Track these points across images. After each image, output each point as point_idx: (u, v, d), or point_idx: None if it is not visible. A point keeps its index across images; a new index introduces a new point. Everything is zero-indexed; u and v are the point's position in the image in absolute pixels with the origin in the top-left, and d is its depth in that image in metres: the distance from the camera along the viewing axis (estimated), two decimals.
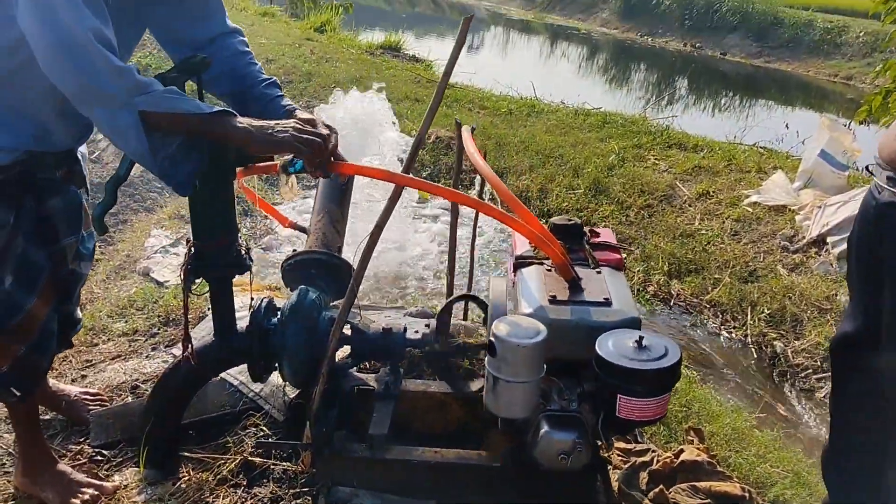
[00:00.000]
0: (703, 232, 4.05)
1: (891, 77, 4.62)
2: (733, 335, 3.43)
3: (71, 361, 2.50)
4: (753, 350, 3.34)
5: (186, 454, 2.07)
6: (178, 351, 2.50)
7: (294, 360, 1.93)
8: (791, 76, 16.55)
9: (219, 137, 1.61)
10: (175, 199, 4.03)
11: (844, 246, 3.65)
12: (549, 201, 4.39)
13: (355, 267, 1.80)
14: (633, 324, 1.66)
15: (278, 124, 1.62)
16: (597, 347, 1.57)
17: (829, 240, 3.73)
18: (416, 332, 2.06)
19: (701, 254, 3.88)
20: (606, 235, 2.04)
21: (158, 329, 2.66)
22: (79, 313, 2.08)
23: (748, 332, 3.39)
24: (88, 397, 2.29)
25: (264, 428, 2.14)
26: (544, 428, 1.69)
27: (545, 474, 1.86)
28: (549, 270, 1.85)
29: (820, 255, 3.72)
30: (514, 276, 1.90)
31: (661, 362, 1.53)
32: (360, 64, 7.02)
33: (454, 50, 1.90)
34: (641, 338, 1.57)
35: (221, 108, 1.59)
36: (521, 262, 1.91)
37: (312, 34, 8.55)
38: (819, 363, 3.17)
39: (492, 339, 1.59)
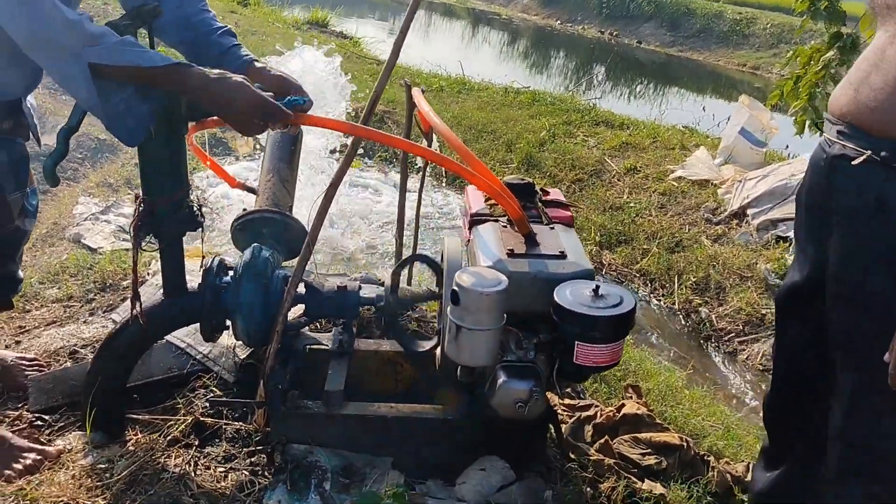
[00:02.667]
0: (632, 205, 4.19)
1: (800, 64, 4.88)
2: (662, 302, 3.58)
3: (3, 328, 2.40)
4: (681, 316, 3.49)
5: (134, 416, 2.03)
6: (117, 317, 2.45)
7: (249, 318, 1.91)
8: (702, 65, 17.13)
9: (173, 89, 1.58)
10: (101, 168, 3.89)
11: (763, 217, 3.85)
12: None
13: (307, 226, 1.80)
14: (588, 275, 1.72)
15: (230, 83, 1.59)
16: (555, 296, 1.63)
17: (749, 212, 3.92)
18: (370, 291, 2.07)
19: (630, 225, 4.02)
20: (556, 194, 2.10)
21: (95, 295, 2.58)
22: (20, 273, 2.01)
23: (676, 299, 3.54)
24: (24, 363, 2.21)
25: (215, 389, 2.11)
26: (502, 378, 1.73)
27: (500, 426, 1.92)
28: (505, 227, 1.89)
29: (741, 227, 3.91)
30: (469, 233, 1.94)
31: (618, 309, 1.60)
32: (288, 38, 6.87)
33: (407, 17, 1.91)
34: (598, 287, 1.63)
35: (176, 61, 1.55)
36: (476, 220, 1.95)
37: (236, 7, 8.36)
38: (741, 327, 3.34)
39: (455, 287, 1.62)
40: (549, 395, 2.33)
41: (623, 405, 2.29)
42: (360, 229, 3.85)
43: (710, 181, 4.27)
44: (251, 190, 2.33)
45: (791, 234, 3.66)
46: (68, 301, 2.56)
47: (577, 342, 1.60)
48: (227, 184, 2.37)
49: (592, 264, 1.81)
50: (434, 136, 2.46)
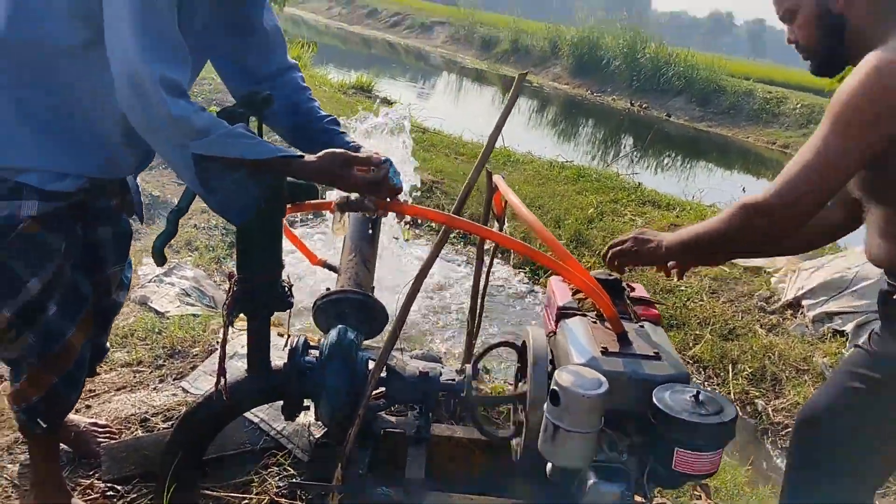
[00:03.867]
0: (683, 288, 4.17)
1: None
2: (717, 391, 3.53)
3: None
4: (737, 407, 3.43)
5: (207, 492, 2.02)
6: (187, 385, 2.46)
7: (333, 400, 1.91)
8: (732, 141, 17.26)
9: (279, 174, 1.62)
10: (159, 227, 3.95)
11: (819, 310, 3.82)
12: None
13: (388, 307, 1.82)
14: (684, 379, 1.72)
15: (319, 155, 1.64)
16: (655, 400, 1.62)
17: (804, 303, 3.90)
18: (451, 377, 2.07)
19: (682, 310, 4.00)
20: (640, 291, 2.11)
21: (164, 361, 2.60)
22: (107, 342, 2.03)
23: (731, 389, 3.50)
24: (97, 429, 2.22)
25: (288, 467, 2.10)
26: (593, 479, 1.71)
27: None
28: (595, 323, 1.90)
29: (796, 317, 3.88)
30: (556, 326, 1.94)
31: (721, 417, 1.58)
32: (337, 103, 7.06)
33: (507, 105, 1.98)
34: (698, 392, 1.63)
35: (282, 153, 1.57)
36: (564, 313, 1.96)
37: None
38: None
39: (555, 388, 1.61)
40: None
41: None
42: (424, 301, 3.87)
43: (762, 268, 4.26)
44: (332, 268, 2.36)
45: (847, 327, 3.63)
46: (137, 366, 2.58)
47: (677, 448, 1.59)
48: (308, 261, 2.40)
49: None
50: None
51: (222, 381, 1.92)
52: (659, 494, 2.35)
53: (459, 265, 4.50)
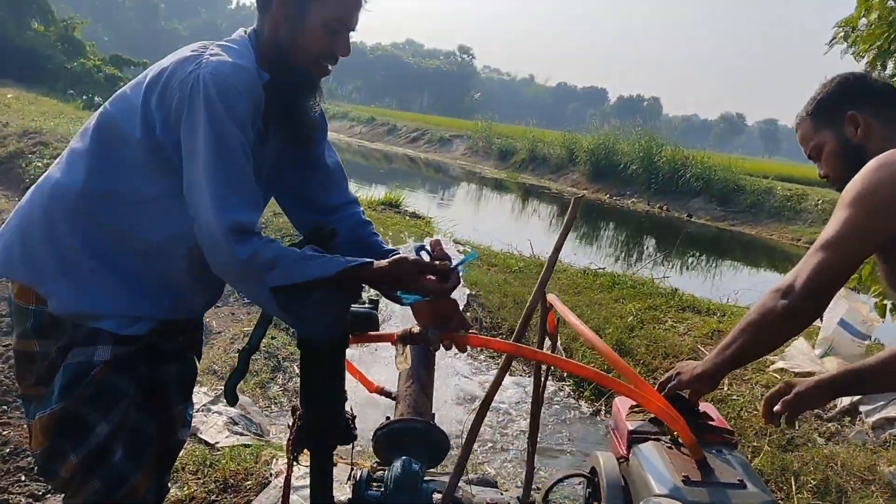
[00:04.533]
0: (735, 398, 4.06)
1: None
2: None
3: None
4: None
5: None
6: None
7: None
8: (755, 239, 17.28)
9: (353, 282, 1.62)
10: (204, 354, 3.94)
11: (878, 415, 3.69)
12: (575, 357, 4.40)
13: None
14: None
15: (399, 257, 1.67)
16: None
17: (861, 409, 3.77)
18: None
19: (736, 420, 3.88)
20: (712, 411, 2.04)
21: (217, 496, 2.53)
22: (168, 481, 1.99)
23: (795, 502, 3.33)
24: None
25: None
26: None
27: None
28: (671, 448, 1.83)
29: (854, 424, 3.74)
30: (627, 451, 1.88)
31: None
32: (376, 221, 7.18)
33: (564, 227, 1.99)
34: None
35: (353, 262, 1.59)
36: (636, 437, 1.89)
37: None
38: None
39: None
40: None
41: None
42: (459, 415, 3.78)
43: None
44: (389, 395, 2.32)
45: None
46: (190, 502, 2.51)
47: None
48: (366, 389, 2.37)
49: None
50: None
51: None
52: None
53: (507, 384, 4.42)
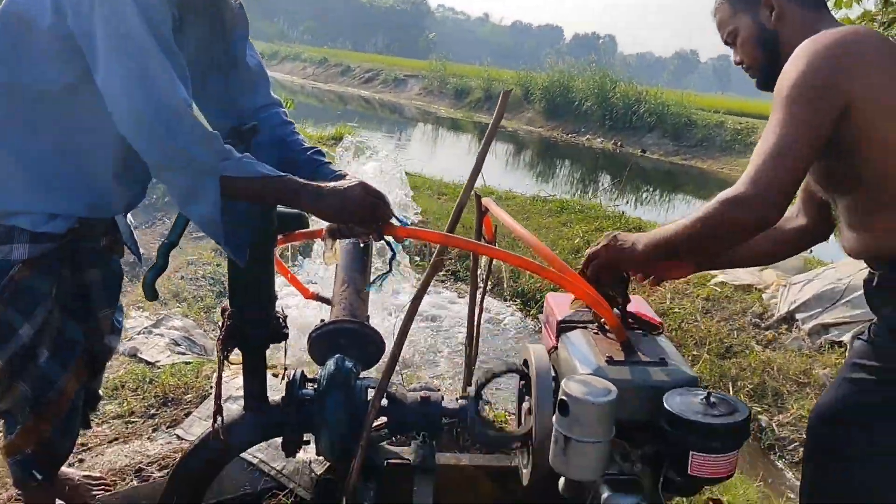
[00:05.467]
0: (676, 310, 4.16)
1: None
2: None
3: None
4: None
5: None
6: (182, 432, 2.39)
7: (334, 431, 1.86)
8: (707, 172, 17.50)
9: (288, 199, 1.59)
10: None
11: (814, 322, 3.81)
12: (522, 282, 4.44)
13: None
14: (692, 382, 1.68)
15: (346, 185, 1.62)
16: (666, 404, 1.58)
17: (798, 316, 3.89)
18: (454, 402, 2.02)
19: (677, 331, 3.98)
20: (640, 302, 2.08)
21: (157, 410, 2.53)
22: (100, 389, 1.98)
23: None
24: (91, 482, 2.14)
25: None
26: (606, 493, 1.66)
27: None
28: (597, 334, 1.86)
29: (791, 332, 3.86)
30: (556, 340, 1.91)
31: (735, 417, 1.55)
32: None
33: (494, 119, 1.97)
34: (710, 394, 1.59)
35: (293, 177, 1.57)
36: (565, 327, 1.92)
37: None
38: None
39: (563, 397, 1.57)
40: None
41: None
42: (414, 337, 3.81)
43: (752, 286, 4.26)
44: (326, 300, 2.31)
45: (845, 338, 3.62)
46: (129, 416, 2.50)
47: (692, 452, 1.55)
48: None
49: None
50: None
51: (218, 420, 1.87)
52: None
53: (451, 302, 4.46)
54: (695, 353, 3.82)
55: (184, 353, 2.99)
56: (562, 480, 1.71)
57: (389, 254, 1.79)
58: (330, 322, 2.12)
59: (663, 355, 1.76)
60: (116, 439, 2.38)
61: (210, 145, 1.46)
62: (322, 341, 2.12)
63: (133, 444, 2.34)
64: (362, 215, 1.63)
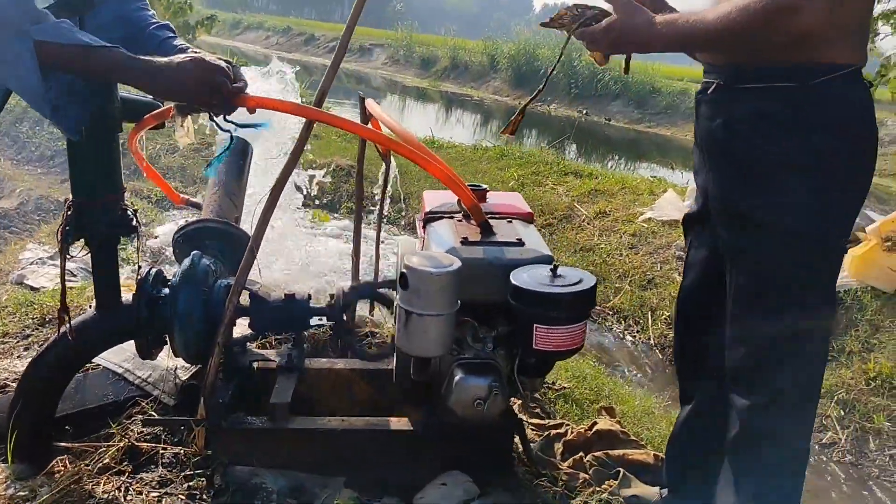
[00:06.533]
0: (602, 246, 4.11)
1: None
2: (637, 338, 3.46)
3: None
4: (657, 351, 3.36)
5: (63, 445, 1.85)
6: None
7: (187, 330, 1.77)
8: (671, 139, 17.49)
9: (115, 73, 1.48)
10: (55, 219, 3.76)
11: None
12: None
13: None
14: (548, 261, 1.62)
15: (178, 59, 1.51)
16: (511, 278, 1.52)
17: None
18: (320, 302, 1.95)
19: (601, 266, 3.93)
20: (517, 199, 2.02)
21: (32, 331, 2.42)
22: None
23: (651, 334, 3.42)
24: None
25: (154, 413, 1.94)
26: (459, 375, 1.60)
27: (461, 435, 1.77)
28: (461, 221, 1.79)
29: None
30: (424, 232, 1.83)
31: (578, 287, 1.49)
32: None
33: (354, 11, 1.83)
34: (556, 266, 1.53)
35: (119, 47, 1.46)
36: (430, 217, 1.85)
37: None
38: None
39: (403, 270, 1.50)
40: (517, 411, 2.19)
41: (596, 423, 2.15)
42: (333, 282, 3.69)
43: (679, 222, 4.21)
44: (196, 205, 2.22)
45: None
46: (3, 338, 2.39)
47: (535, 325, 1.48)
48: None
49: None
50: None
51: (66, 319, 1.78)
52: (561, 418, 2.24)
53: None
54: (617, 285, 3.78)
55: (75, 280, 2.87)
56: (412, 364, 1.64)
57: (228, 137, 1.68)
58: (193, 222, 2.04)
59: (521, 237, 1.69)
60: None
61: (21, 6, 1.34)
62: (185, 242, 2.03)
63: (2, 362, 2.24)
64: (199, 91, 1.53)
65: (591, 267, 3.92)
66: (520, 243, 1.66)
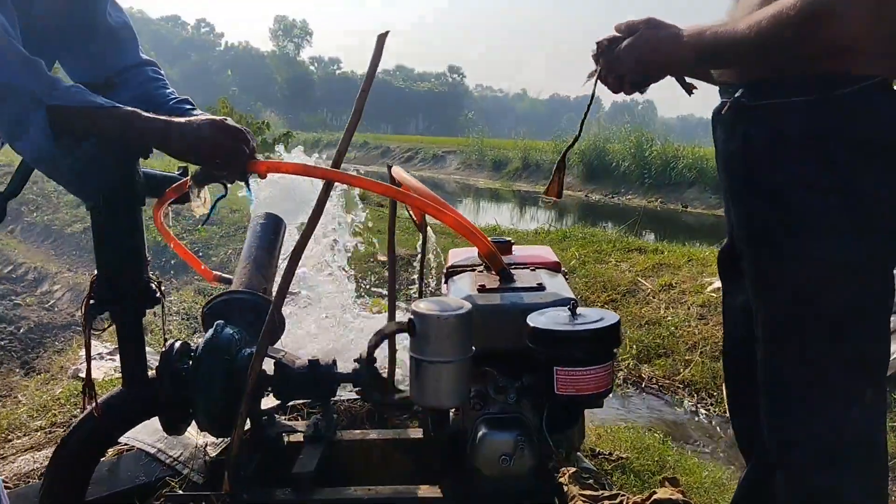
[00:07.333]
0: (669, 319, 3.92)
1: None
2: (711, 411, 3.22)
3: None
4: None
5: None
6: None
7: (209, 401, 1.72)
8: None
9: (131, 132, 1.51)
10: None
11: None
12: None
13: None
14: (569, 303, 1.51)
15: (197, 120, 1.54)
16: (528, 321, 1.42)
17: None
18: (347, 367, 1.87)
19: (669, 339, 3.74)
20: (543, 250, 1.94)
21: None
22: None
23: (726, 407, 3.18)
24: None
25: (181, 492, 1.88)
26: (482, 430, 1.49)
27: (490, 500, 1.63)
28: (481, 272, 1.72)
29: None
30: (447, 287, 1.76)
31: (598, 324, 1.37)
32: None
33: (372, 62, 1.85)
34: (575, 304, 1.42)
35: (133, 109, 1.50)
36: (452, 272, 1.79)
37: None
38: None
39: (410, 317, 1.43)
40: (567, 483, 2.02)
41: (654, 492, 1.96)
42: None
43: None
44: (227, 280, 2.22)
45: None
46: (51, 428, 2.41)
47: (556, 368, 1.37)
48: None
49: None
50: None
51: (91, 396, 1.77)
52: (618, 490, 2.06)
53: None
54: (687, 357, 3.57)
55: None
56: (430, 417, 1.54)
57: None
58: (220, 294, 2.02)
59: (542, 282, 1.60)
60: (32, 448, 2.28)
61: (33, 73, 1.39)
62: (213, 317, 2.01)
63: (46, 451, 2.23)
64: (215, 153, 1.54)
65: (657, 340, 3.73)
66: (540, 288, 1.57)
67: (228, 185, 1.66)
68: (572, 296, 1.56)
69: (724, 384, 1.64)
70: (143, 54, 1.90)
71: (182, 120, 1.53)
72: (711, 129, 1.45)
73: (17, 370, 3.81)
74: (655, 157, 21.07)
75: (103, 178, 1.61)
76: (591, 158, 22.96)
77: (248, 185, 1.71)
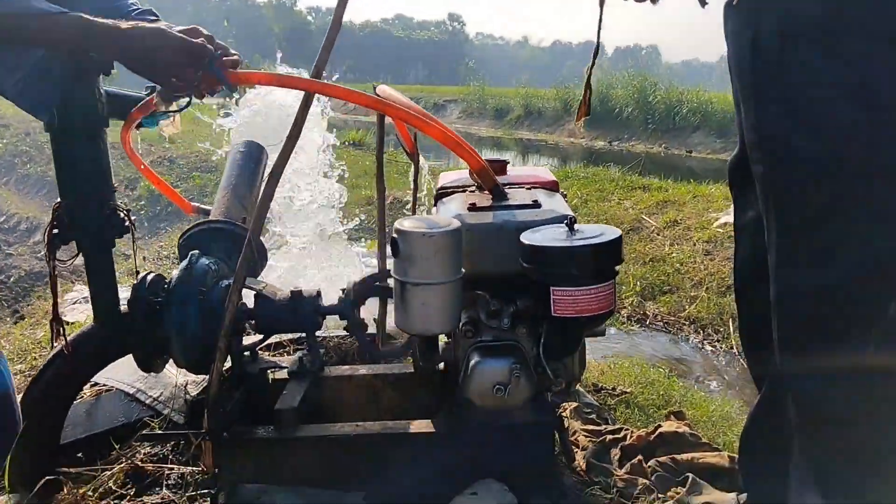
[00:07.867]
0: (675, 255, 3.80)
1: None
2: (718, 347, 3.12)
3: None
4: (742, 359, 3.01)
5: (65, 471, 1.71)
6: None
7: (183, 335, 1.61)
8: None
9: (80, 45, 1.37)
10: None
11: None
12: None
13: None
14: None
15: (161, 25, 1.40)
16: (522, 239, 1.30)
17: None
18: (332, 299, 1.76)
19: (674, 275, 3.62)
20: (539, 170, 1.80)
21: None
22: None
23: (733, 342, 3.08)
24: None
25: (160, 432, 1.79)
26: (474, 359, 1.39)
27: (490, 434, 1.53)
28: (472, 192, 1.60)
29: None
30: (436, 209, 1.64)
31: (598, 239, 1.25)
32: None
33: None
34: (573, 220, 1.30)
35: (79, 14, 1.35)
36: (442, 194, 1.66)
37: None
38: None
39: (393, 236, 1.31)
40: (568, 418, 1.93)
41: (659, 426, 1.87)
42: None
43: None
44: (206, 212, 2.10)
45: None
46: (30, 371, 2.31)
47: (552, 288, 1.25)
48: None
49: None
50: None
51: (60, 332, 1.67)
52: (622, 424, 1.96)
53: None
54: (693, 294, 3.46)
55: None
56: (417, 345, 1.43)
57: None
58: (196, 223, 1.90)
59: (537, 199, 1.47)
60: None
61: None
62: (190, 248, 1.89)
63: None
64: (175, 58, 1.39)
65: (662, 277, 3.61)
66: (536, 205, 1.44)
67: (194, 98, 1.51)
68: (569, 212, 1.43)
69: (735, 304, 1.51)
70: None
71: (132, 23, 1.39)
72: (723, 24, 1.31)
73: (8, 318, 3.73)
74: (659, 103, 20.71)
75: (54, 90, 1.49)
76: (594, 105, 22.54)
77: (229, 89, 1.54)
